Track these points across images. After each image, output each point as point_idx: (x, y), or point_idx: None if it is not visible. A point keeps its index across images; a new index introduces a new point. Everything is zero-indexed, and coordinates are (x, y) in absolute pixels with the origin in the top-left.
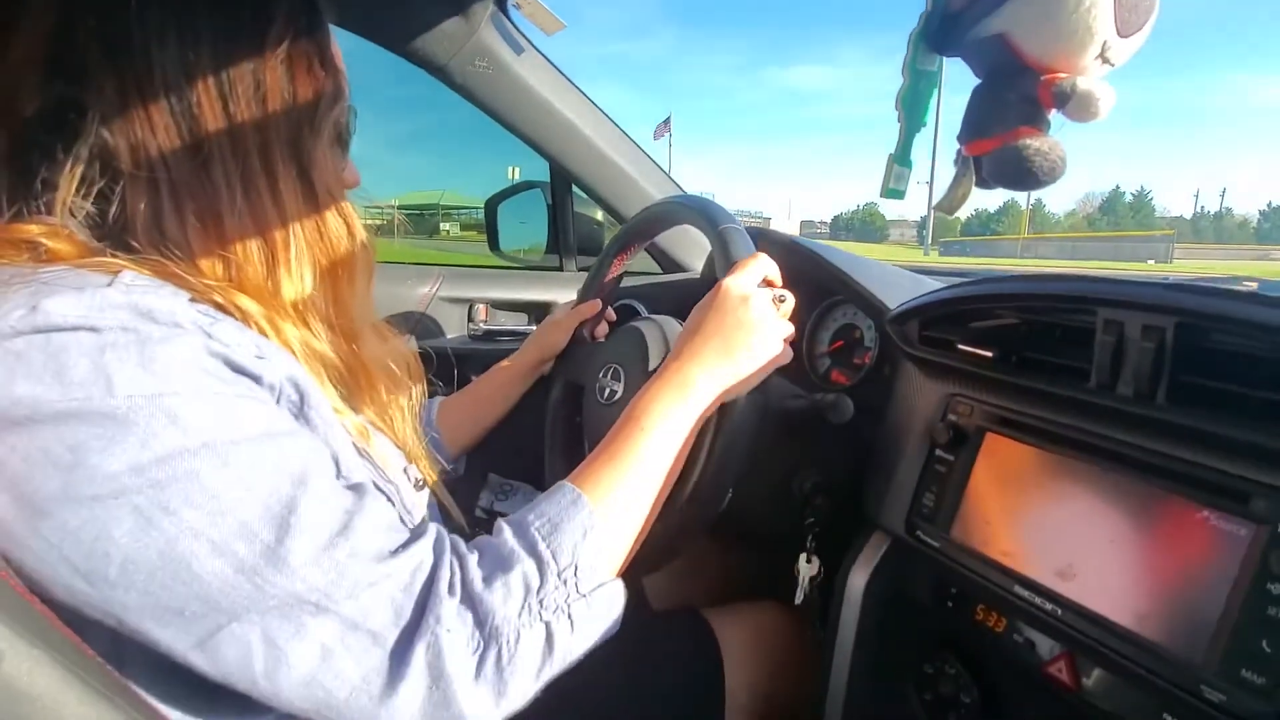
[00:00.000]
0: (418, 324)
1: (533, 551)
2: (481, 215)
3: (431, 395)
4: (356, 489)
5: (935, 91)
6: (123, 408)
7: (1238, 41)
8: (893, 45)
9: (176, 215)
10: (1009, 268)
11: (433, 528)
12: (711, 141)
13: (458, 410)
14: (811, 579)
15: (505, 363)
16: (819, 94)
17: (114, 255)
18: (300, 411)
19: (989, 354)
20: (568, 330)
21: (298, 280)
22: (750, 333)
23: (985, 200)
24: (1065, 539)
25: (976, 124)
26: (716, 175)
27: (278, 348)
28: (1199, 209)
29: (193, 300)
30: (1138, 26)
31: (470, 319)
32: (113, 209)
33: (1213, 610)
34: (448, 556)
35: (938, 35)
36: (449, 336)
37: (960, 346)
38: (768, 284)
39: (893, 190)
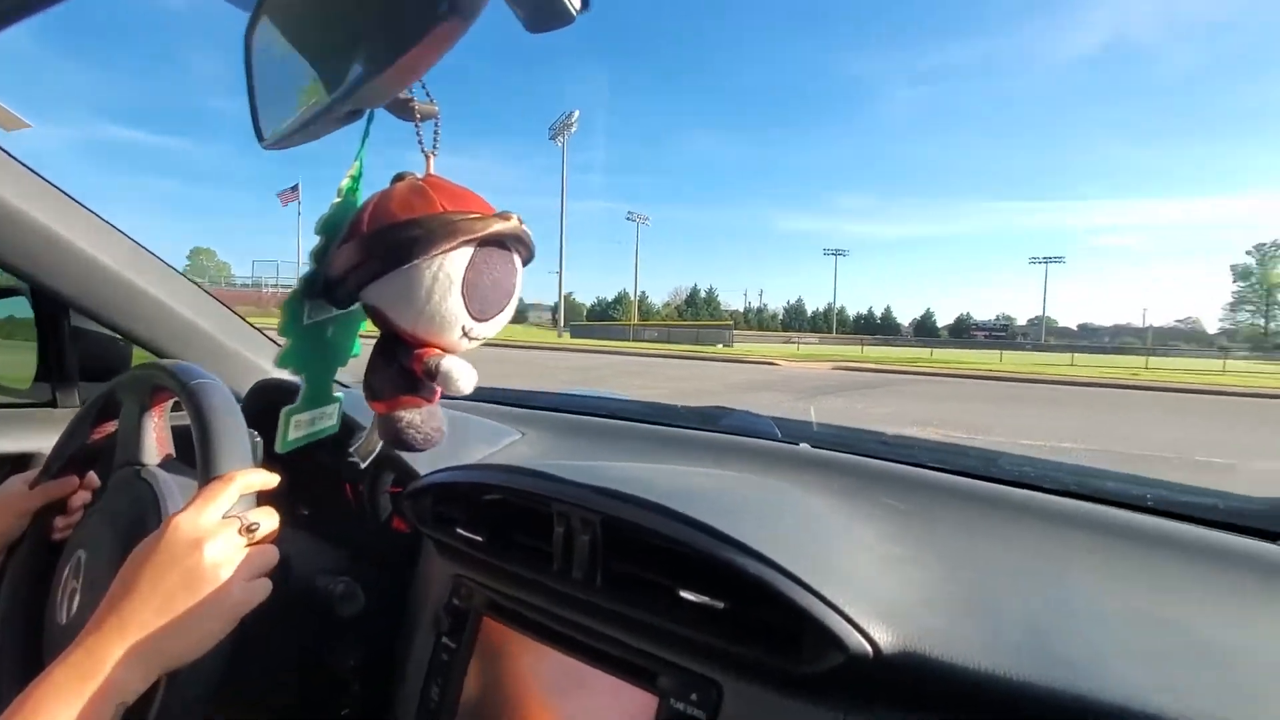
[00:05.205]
0: None
1: None
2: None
3: None
4: None
5: (335, 330)
6: None
7: (763, 186)
8: (525, 149)
9: None
10: (623, 346)
11: None
12: None
13: None
14: None
15: None
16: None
17: None
18: None
19: (479, 538)
20: (24, 515)
21: None
22: (203, 584)
23: (603, 289)
24: None
25: (370, 386)
26: None
27: None
28: (747, 304)
29: None
30: (494, 313)
31: None
32: None
33: None
34: None
35: (324, 295)
36: None
37: (458, 530)
38: (262, 494)
39: (290, 443)
